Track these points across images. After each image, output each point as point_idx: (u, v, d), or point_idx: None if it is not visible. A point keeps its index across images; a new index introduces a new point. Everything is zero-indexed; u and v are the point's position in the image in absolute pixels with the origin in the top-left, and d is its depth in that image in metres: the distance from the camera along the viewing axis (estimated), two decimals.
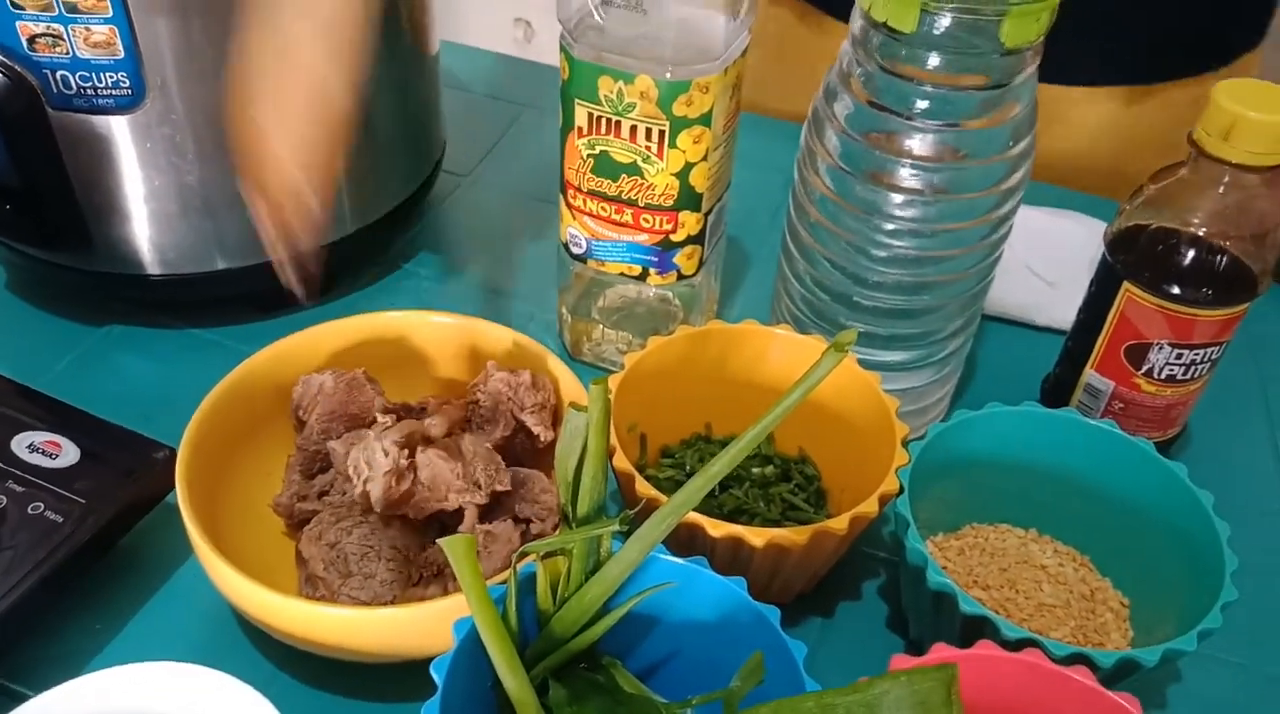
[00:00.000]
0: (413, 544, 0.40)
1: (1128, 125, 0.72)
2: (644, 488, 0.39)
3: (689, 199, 0.48)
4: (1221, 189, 0.42)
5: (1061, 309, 0.57)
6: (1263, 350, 0.61)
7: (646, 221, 0.49)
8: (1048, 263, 0.61)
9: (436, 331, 0.48)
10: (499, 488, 0.40)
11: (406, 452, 0.40)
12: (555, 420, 0.45)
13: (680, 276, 0.51)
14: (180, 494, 0.39)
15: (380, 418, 0.41)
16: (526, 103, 0.74)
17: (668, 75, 0.44)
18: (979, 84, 0.41)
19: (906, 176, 0.43)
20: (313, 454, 0.44)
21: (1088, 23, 0.66)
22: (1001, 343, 0.59)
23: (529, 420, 0.43)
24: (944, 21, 0.40)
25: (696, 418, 0.49)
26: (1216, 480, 0.53)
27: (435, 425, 0.41)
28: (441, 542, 0.31)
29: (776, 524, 0.45)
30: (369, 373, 0.45)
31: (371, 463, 0.39)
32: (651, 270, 0.51)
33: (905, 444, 0.43)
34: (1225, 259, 0.43)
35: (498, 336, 0.47)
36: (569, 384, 0.45)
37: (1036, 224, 0.63)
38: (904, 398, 0.51)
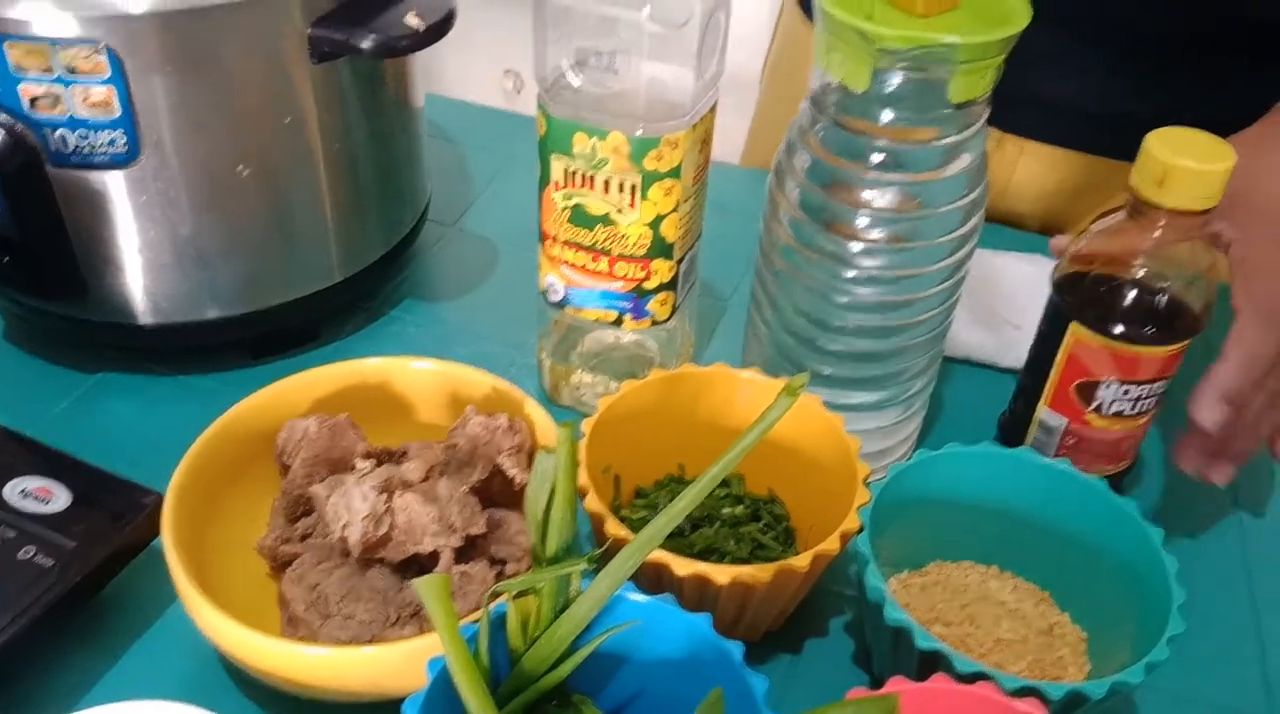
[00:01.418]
0: (391, 585, 0.41)
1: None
2: (613, 528, 0.41)
3: (661, 248, 0.50)
4: (1159, 232, 0.44)
5: (1026, 351, 0.59)
6: None
7: (621, 270, 0.51)
8: (1012, 306, 0.63)
9: (418, 377, 0.50)
10: (473, 531, 0.41)
11: (385, 496, 0.41)
12: (532, 462, 0.47)
13: (654, 322, 0.53)
14: (166, 539, 0.40)
15: (359, 464, 0.43)
16: (511, 154, 0.77)
17: (639, 132, 0.46)
18: (931, 138, 0.44)
19: (864, 226, 0.45)
20: (296, 498, 0.45)
21: (1161, 101, 0.69)
22: (967, 383, 0.61)
23: (505, 463, 0.45)
24: (895, 80, 0.42)
25: (670, 459, 0.51)
26: (1170, 508, 0.55)
27: (413, 470, 0.43)
28: (415, 583, 0.32)
29: (746, 562, 0.47)
30: (352, 418, 0.47)
31: (350, 508, 0.41)
32: (626, 316, 0.53)
33: (867, 483, 0.45)
34: (1166, 298, 0.45)
35: (477, 381, 0.49)
36: (545, 427, 0.47)
37: (1002, 268, 0.65)
38: (871, 437, 0.53)
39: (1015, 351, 0.61)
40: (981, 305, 0.63)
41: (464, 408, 0.47)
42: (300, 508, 0.46)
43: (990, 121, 0.74)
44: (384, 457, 0.47)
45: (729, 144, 0.91)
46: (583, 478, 0.43)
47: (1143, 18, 0.67)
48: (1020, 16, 0.41)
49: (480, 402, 0.49)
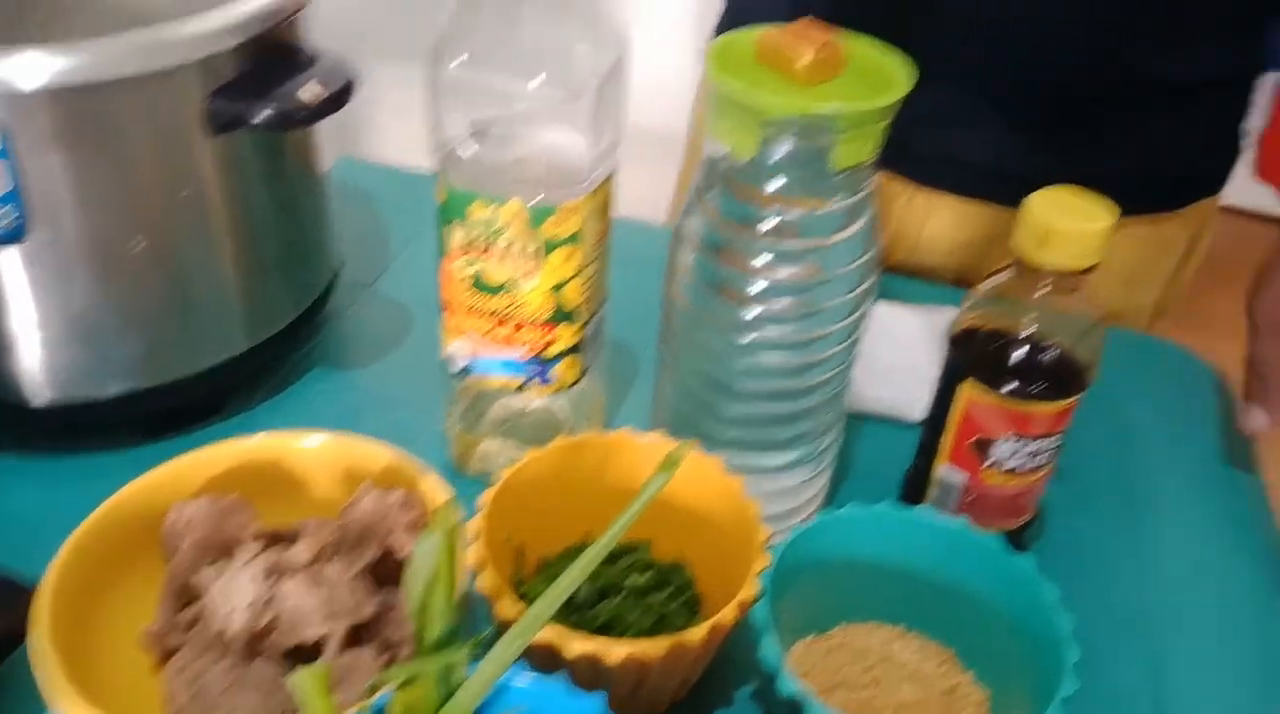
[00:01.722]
0: (278, 676, 0.40)
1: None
2: (505, 609, 0.40)
3: (563, 314, 0.50)
4: (1044, 291, 0.45)
5: None
6: (1123, 428, 0.64)
7: (523, 336, 0.51)
8: (917, 359, 0.63)
9: (313, 452, 0.49)
10: (363, 616, 0.41)
11: (270, 582, 0.40)
12: None
13: (560, 387, 0.53)
14: (38, 634, 0.39)
15: (244, 547, 0.42)
16: (428, 216, 0.76)
17: (537, 199, 0.46)
18: (819, 204, 0.44)
19: (759, 292, 0.45)
20: (183, 584, 0.44)
21: (1070, 154, 0.71)
22: (875, 438, 0.62)
23: (400, 541, 0.44)
24: (782, 148, 0.42)
25: (575, 528, 0.50)
26: (1072, 560, 0.55)
27: (301, 552, 0.42)
28: (291, 678, 0.31)
29: (650, 633, 0.46)
30: (243, 498, 0.46)
31: (233, 595, 0.40)
32: (531, 383, 0.52)
33: (768, 548, 0.44)
34: (1054, 355, 0.46)
35: (374, 454, 0.48)
36: (444, 502, 0.46)
37: (906, 321, 0.66)
38: (778, 498, 0.53)
39: (921, 405, 0.62)
40: (887, 359, 0.64)
41: (361, 482, 0.47)
42: (187, 595, 0.44)
43: (901, 175, 0.76)
44: (276, 537, 0.46)
45: (661, 200, 0.92)
46: (479, 553, 0.43)
47: (1040, 78, 0.69)
48: (902, 83, 0.42)
49: (377, 475, 0.48)
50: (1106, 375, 0.67)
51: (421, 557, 0.34)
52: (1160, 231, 0.77)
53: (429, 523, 0.46)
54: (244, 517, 0.46)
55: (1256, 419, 0.64)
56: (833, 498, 0.58)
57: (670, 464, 0.33)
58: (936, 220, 0.77)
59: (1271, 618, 0.54)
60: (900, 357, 0.64)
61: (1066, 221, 0.43)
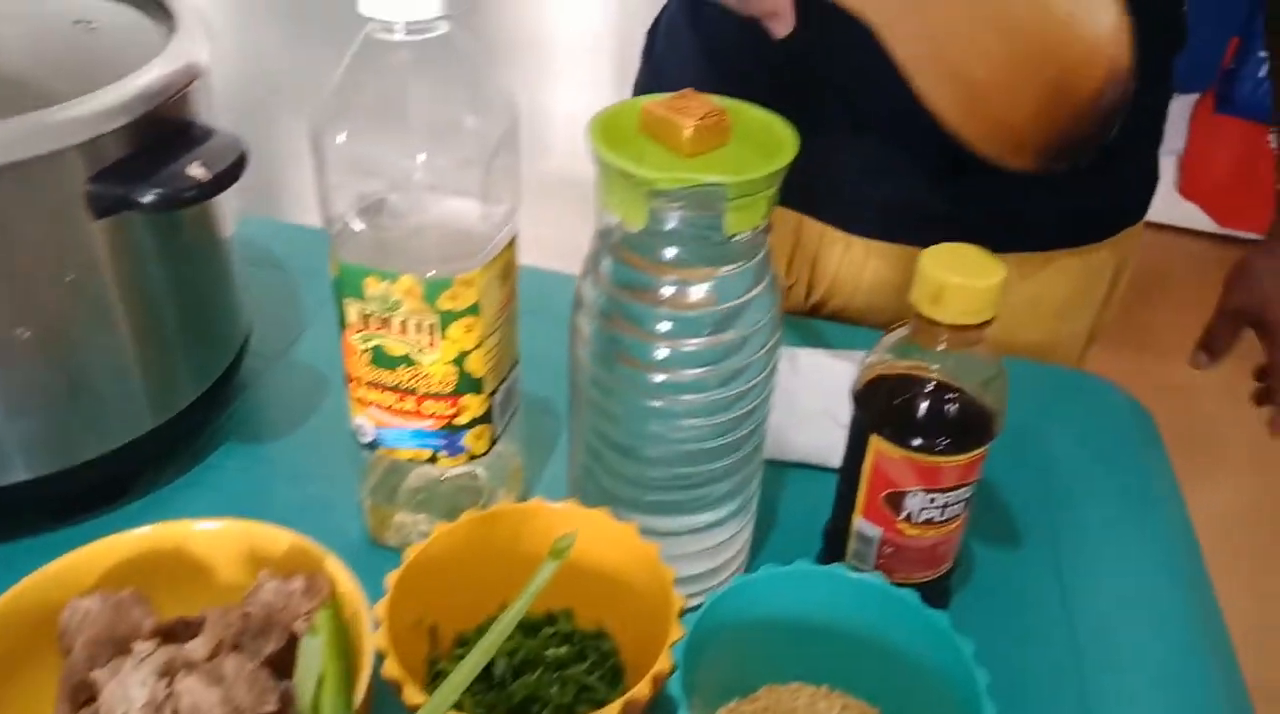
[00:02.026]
0: None
1: (1021, 292, 0.77)
2: (410, 696, 0.39)
3: (469, 384, 0.49)
4: (943, 345, 0.45)
5: None
6: (1048, 470, 0.65)
7: (429, 408, 0.50)
8: (840, 406, 0.63)
9: (213, 539, 0.47)
10: (263, 712, 0.39)
11: (165, 681, 0.39)
12: None
13: (472, 457, 0.52)
14: None
15: (139, 645, 0.40)
16: None
17: (430, 273, 0.46)
18: (716, 270, 0.44)
19: (658, 358, 0.45)
20: (78, 684, 0.42)
21: (994, 196, 0.72)
22: (800, 488, 0.61)
23: (303, 630, 0.43)
24: (672, 217, 0.42)
25: (493, 600, 0.49)
26: (999, 604, 0.55)
27: (198, 647, 0.41)
28: None
29: (570, 708, 0.45)
30: (139, 592, 0.44)
31: (128, 696, 0.38)
32: (441, 454, 0.51)
33: (682, 615, 0.44)
34: (958, 407, 0.46)
35: (275, 538, 0.47)
36: (349, 584, 0.45)
37: (829, 368, 0.66)
38: (699, 558, 0.52)
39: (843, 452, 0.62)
40: (810, 407, 0.63)
41: (264, 567, 0.45)
42: (85, 693, 0.43)
43: (834, 224, 0.76)
44: (175, 630, 0.44)
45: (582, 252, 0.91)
46: (383, 638, 0.41)
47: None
48: (788, 148, 0.42)
49: (280, 560, 0.46)
50: (1030, 412, 0.68)
51: (308, 656, 0.33)
52: (1088, 262, 0.78)
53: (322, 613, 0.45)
54: (140, 611, 0.44)
55: (1199, 358, 0.77)
56: (760, 550, 0.58)
57: (558, 553, 0.33)
58: (873, 266, 0.77)
59: (1203, 651, 0.55)
60: (824, 404, 0.64)
61: (959, 277, 0.43)
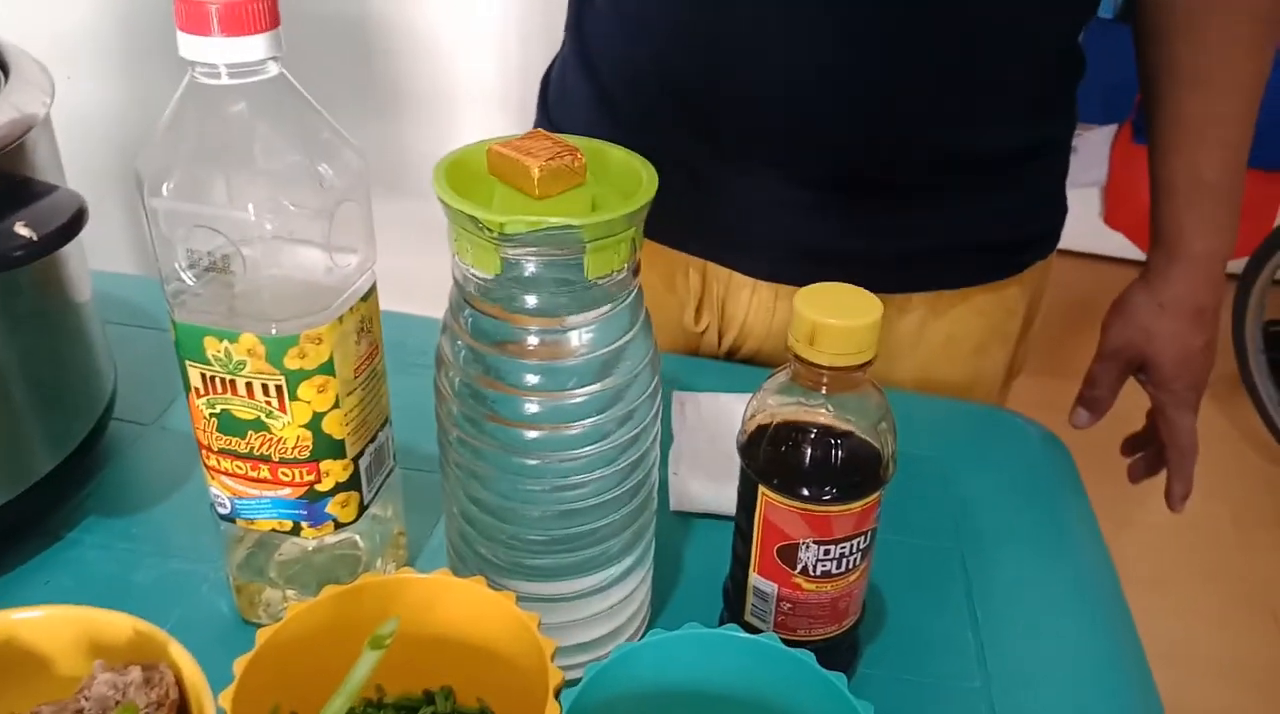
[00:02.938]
0: None
1: (937, 331, 0.76)
2: None
3: (328, 448, 0.46)
4: (825, 387, 0.43)
5: None
6: (963, 513, 0.62)
7: (285, 475, 0.46)
8: None
9: (44, 627, 0.43)
10: None
11: None
12: (183, 712, 0.41)
13: (339, 525, 0.48)
14: None
15: None
16: None
17: (274, 331, 0.42)
18: (581, 316, 0.41)
19: (529, 413, 0.42)
20: None
21: (896, 233, 0.71)
22: (705, 539, 0.59)
23: None
24: (529, 263, 0.39)
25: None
26: (914, 652, 0.53)
27: None
28: None
29: None
30: None
31: None
32: (303, 524, 0.48)
33: (559, 695, 0.40)
34: (847, 452, 0.43)
35: (116, 625, 0.43)
36: (193, 673, 0.41)
37: (732, 411, 0.63)
38: (597, 621, 0.49)
39: None
40: (712, 454, 0.61)
41: (104, 655, 0.41)
42: None
43: (739, 269, 0.74)
44: None
45: None
46: None
47: (851, 161, 0.68)
48: (647, 187, 0.40)
49: (121, 648, 0.42)
50: (945, 451, 0.66)
51: None
52: (1002, 298, 0.77)
53: (180, 697, 0.41)
54: None
55: (1080, 417, 0.79)
56: (663, 608, 0.55)
57: (377, 643, 0.29)
58: (784, 307, 0.75)
59: (1124, 693, 0.52)
60: (725, 447, 0.61)
61: (834, 318, 0.40)
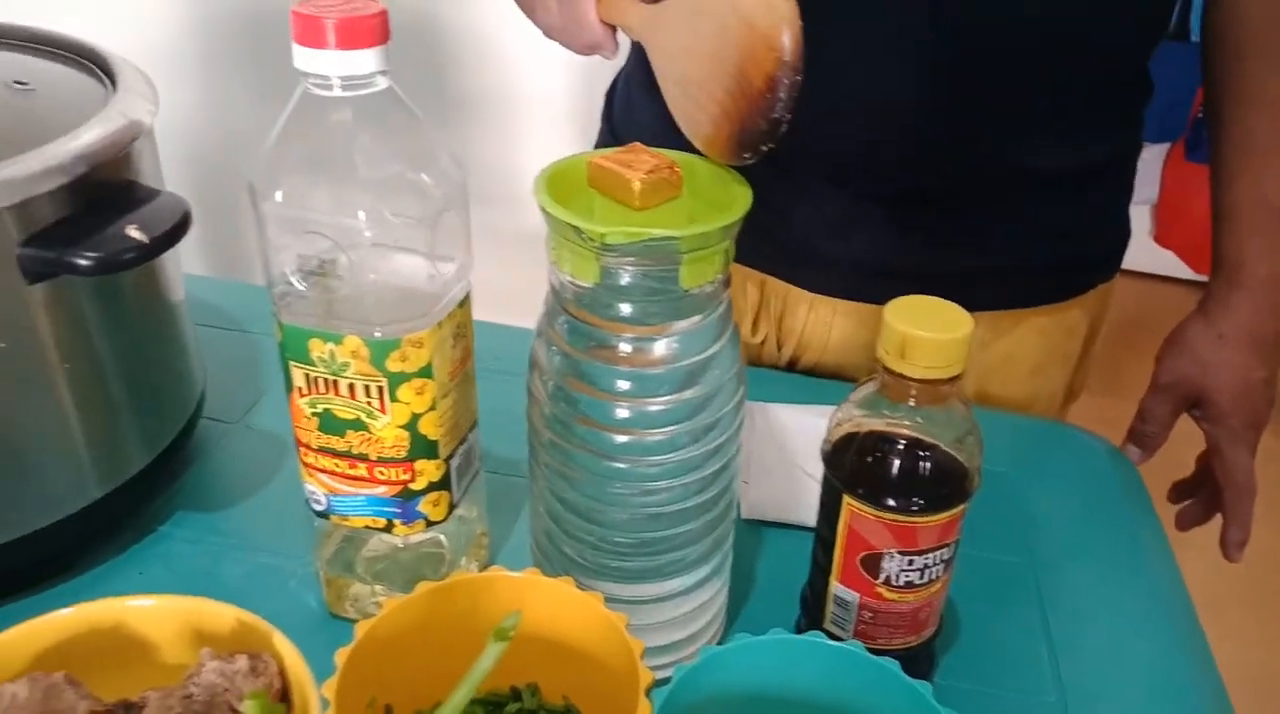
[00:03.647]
0: None
1: (997, 350, 0.76)
2: None
3: (423, 448, 0.47)
4: (913, 400, 0.43)
5: None
6: (1032, 526, 0.63)
7: (382, 474, 0.48)
8: (813, 463, 0.61)
9: (153, 616, 0.45)
10: None
11: None
12: (285, 701, 0.42)
13: (430, 523, 0.50)
14: None
15: None
16: None
17: (377, 334, 0.44)
18: (673, 325, 0.42)
19: (618, 418, 0.43)
20: None
21: (959, 252, 0.71)
22: (777, 548, 0.59)
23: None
24: (625, 273, 0.40)
25: (449, 678, 0.47)
26: (987, 665, 0.53)
27: None
28: None
29: None
30: (72, 675, 0.42)
31: None
32: (396, 522, 0.49)
33: (650, 693, 0.41)
34: (933, 464, 0.44)
35: (219, 615, 0.44)
36: (295, 664, 0.42)
37: (800, 423, 0.64)
38: (674, 625, 0.50)
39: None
40: (783, 465, 0.62)
41: (208, 644, 0.43)
42: None
43: (798, 284, 0.75)
44: (115, 713, 0.42)
45: None
46: None
47: (917, 181, 0.69)
48: (742, 200, 0.41)
49: (225, 638, 0.44)
50: (1010, 466, 0.66)
51: None
52: (1063, 320, 0.77)
53: (284, 685, 0.42)
54: (74, 694, 0.41)
55: (1131, 454, 0.75)
56: (736, 615, 0.56)
57: (502, 635, 0.30)
58: (840, 324, 0.76)
59: (1199, 710, 0.52)
60: (797, 460, 0.62)
61: (924, 331, 0.41)
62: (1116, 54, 0.68)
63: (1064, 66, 0.65)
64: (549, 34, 0.56)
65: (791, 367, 0.80)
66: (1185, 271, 2.52)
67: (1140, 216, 2.55)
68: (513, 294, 0.79)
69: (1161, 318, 0.77)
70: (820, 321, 0.76)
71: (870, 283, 0.74)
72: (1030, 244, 0.73)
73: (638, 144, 0.42)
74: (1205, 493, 0.77)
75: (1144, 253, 2.50)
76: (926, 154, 0.67)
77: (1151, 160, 2.48)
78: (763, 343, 0.80)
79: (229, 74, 1.39)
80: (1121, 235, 0.78)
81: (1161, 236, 2.55)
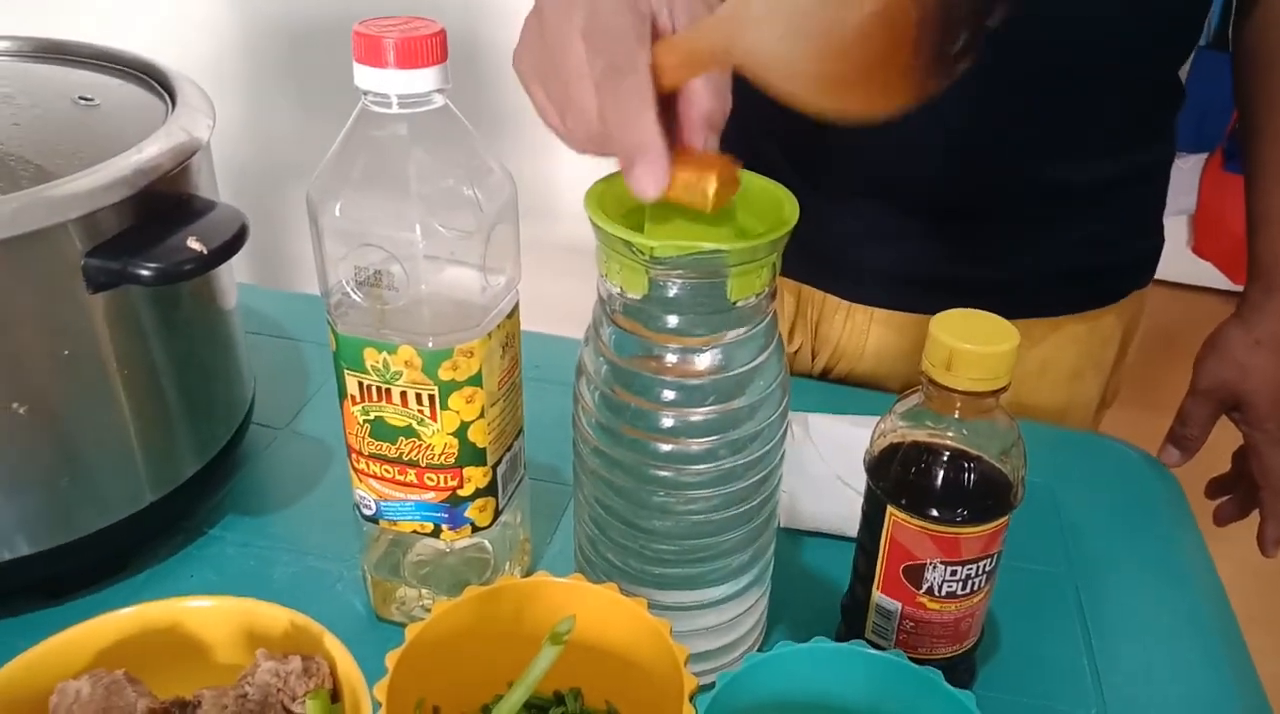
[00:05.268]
0: None
1: (1033, 357, 0.76)
2: None
3: (471, 455, 0.48)
4: (958, 412, 0.44)
5: None
6: (1072, 539, 0.63)
7: (431, 480, 0.49)
8: (854, 473, 0.62)
9: (209, 617, 0.46)
10: None
11: None
12: (334, 702, 0.43)
13: (476, 529, 0.51)
14: None
15: None
16: None
17: (429, 344, 0.45)
18: (719, 337, 0.43)
19: (664, 427, 0.44)
20: None
21: (992, 259, 0.71)
22: (817, 557, 0.60)
23: (301, 711, 0.41)
24: (673, 285, 0.41)
25: (497, 680, 0.48)
26: (1027, 676, 0.53)
27: None
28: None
29: None
30: (131, 673, 0.43)
31: None
32: (444, 527, 0.50)
33: (693, 698, 0.42)
34: (977, 475, 0.44)
35: (272, 617, 0.45)
36: (348, 663, 0.44)
37: (841, 434, 0.64)
38: (714, 633, 0.50)
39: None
40: (824, 475, 0.62)
41: (261, 645, 0.44)
42: None
43: (834, 293, 0.76)
44: (171, 712, 0.43)
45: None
46: None
47: (956, 191, 0.69)
48: (790, 213, 0.41)
49: (277, 639, 0.45)
50: (1048, 476, 0.66)
51: None
52: (1097, 327, 0.77)
53: (335, 686, 0.43)
54: (133, 692, 0.43)
55: (1170, 455, 0.76)
56: (776, 623, 0.56)
57: (556, 638, 0.31)
58: (878, 332, 0.76)
59: None
60: (838, 470, 0.62)
61: (970, 344, 0.41)
62: (1150, 63, 0.68)
63: (1099, 78, 0.65)
64: (581, 146, 0.41)
65: (825, 375, 0.80)
66: (1223, 282, 2.49)
67: (1178, 227, 2.53)
68: (551, 304, 0.80)
69: (1201, 329, 0.77)
70: (856, 330, 0.77)
71: (907, 292, 0.74)
72: (1065, 253, 0.73)
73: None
74: (1242, 489, 0.78)
75: (1182, 263, 2.48)
76: (963, 167, 0.67)
77: (1189, 170, 2.46)
78: (796, 351, 0.80)
79: (270, 87, 1.42)
80: (1155, 242, 0.79)
81: (1199, 247, 2.52)
